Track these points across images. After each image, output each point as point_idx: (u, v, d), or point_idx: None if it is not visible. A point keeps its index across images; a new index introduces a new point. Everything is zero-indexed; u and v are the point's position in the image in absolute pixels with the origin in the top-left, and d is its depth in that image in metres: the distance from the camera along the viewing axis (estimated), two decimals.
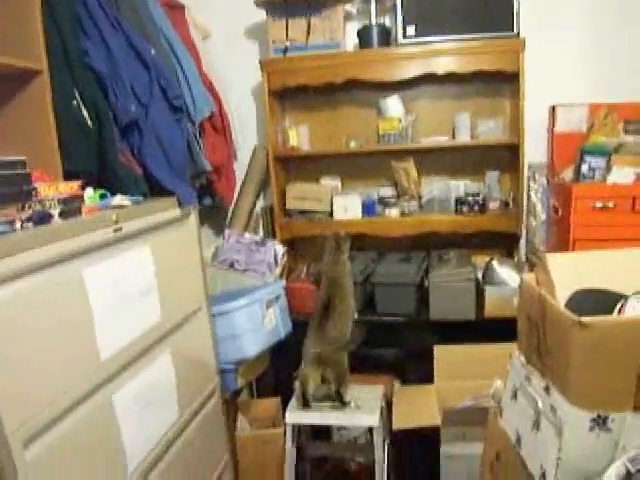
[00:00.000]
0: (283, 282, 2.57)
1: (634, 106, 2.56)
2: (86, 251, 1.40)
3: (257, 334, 2.23)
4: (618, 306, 1.14)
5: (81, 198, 1.49)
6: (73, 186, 1.47)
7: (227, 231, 2.95)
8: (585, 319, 1.02)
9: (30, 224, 1.28)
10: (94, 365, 1.38)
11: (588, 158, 2.24)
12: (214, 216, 3.12)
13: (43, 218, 1.32)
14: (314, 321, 2.14)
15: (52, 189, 1.42)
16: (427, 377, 2.44)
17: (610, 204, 2.18)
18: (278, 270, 2.79)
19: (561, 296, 1.25)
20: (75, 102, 1.80)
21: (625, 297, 1.17)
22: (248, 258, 2.79)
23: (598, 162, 2.23)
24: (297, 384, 2.15)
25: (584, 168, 2.25)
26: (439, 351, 2.36)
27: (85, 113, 1.82)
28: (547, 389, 1.18)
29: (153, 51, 2.14)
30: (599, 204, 2.19)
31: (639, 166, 2.23)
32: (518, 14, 2.44)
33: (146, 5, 2.41)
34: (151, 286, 1.70)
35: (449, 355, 2.33)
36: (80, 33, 1.86)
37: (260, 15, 2.79)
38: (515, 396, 1.31)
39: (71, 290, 1.33)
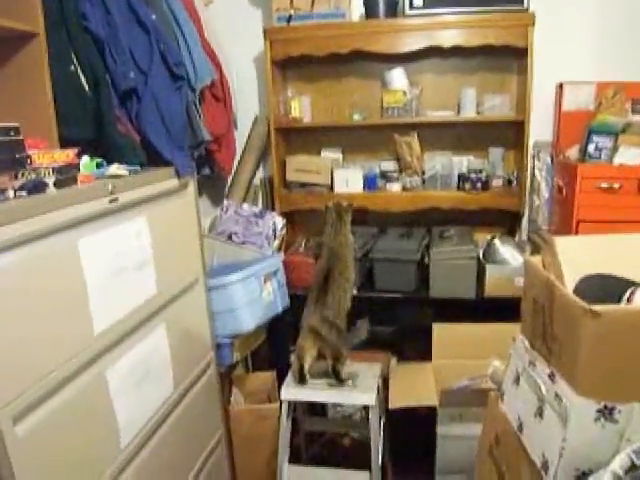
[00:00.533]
0: (281, 255, 2.55)
1: None
2: (81, 222, 1.37)
3: (254, 308, 2.22)
4: (627, 293, 1.11)
5: (77, 167, 1.45)
6: (69, 154, 1.42)
7: (226, 202, 2.90)
8: (597, 307, 1.00)
9: (24, 193, 1.24)
10: (87, 339, 1.35)
11: (595, 138, 2.19)
12: (213, 186, 3.07)
13: (37, 187, 1.27)
14: (313, 293, 2.11)
15: (47, 157, 1.37)
16: (425, 355, 2.44)
17: (616, 185, 2.14)
18: (276, 243, 2.76)
19: (569, 280, 1.22)
20: (72, 67, 1.74)
21: (635, 284, 1.14)
22: (246, 230, 2.75)
23: (605, 142, 2.18)
24: (294, 359, 2.13)
25: (591, 148, 2.20)
26: (438, 329, 2.35)
27: (83, 78, 1.77)
28: (552, 376, 1.16)
29: (154, 16, 2.06)
30: (605, 185, 2.15)
31: None
32: None
33: None
34: (147, 258, 1.67)
35: (448, 333, 2.32)
36: None
37: None
38: (517, 381, 1.29)
39: (65, 261, 1.30)
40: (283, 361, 2.56)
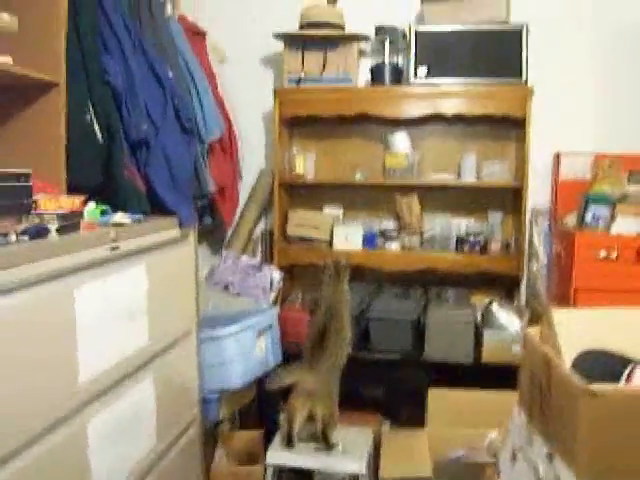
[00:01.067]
0: (277, 310, 2.53)
1: (638, 158, 2.56)
2: (80, 269, 1.36)
3: (245, 364, 2.17)
4: (627, 372, 1.10)
5: (81, 214, 1.46)
6: (75, 201, 1.44)
7: (225, 252, 2.92)
8: (595, 387, 0.98)
9: (26, 237, 1.24)
10: (71, 388, 1.31)
11: (592, 206, 2.24)
12: (213, 235, 3.09)
13: (40, 232, 1.27)
14: (307, 350, 2.08)
15: (53, 203, 1.38)
16: (419, 419, 2.38)
17: (614, 255, 2.16)
18: (273, 296, 2.74)
19: (566, 355, 1.21)
20: (88, 116, 1.78)
21: (634, 362, 1.13)
22: (243, 281, 2.75)
23: (602, 211, 2.23)
24: (282, 418, 2.08)
25: (588, 216, 2.24)
26: (433, 394, 2.30)
27: (97, 128, 1.81)
28: (550, 457, 1.13)
29: (171, 73, 2.14)
30: (603, 253, 2.18)
31: None
32: (527, 62, 2.47)
33: (169, 29, 2.43)
34: (142, 308, 1.65)
35: (444, 399, 2.27)
36: (102, 49, 1.86)
37: (278, 45, 2.81)
38: (514, 457, 1.26)
39: (59, 308, 1.28)
40: (272, 420, 2.49)
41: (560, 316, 1.29)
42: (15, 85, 1.62)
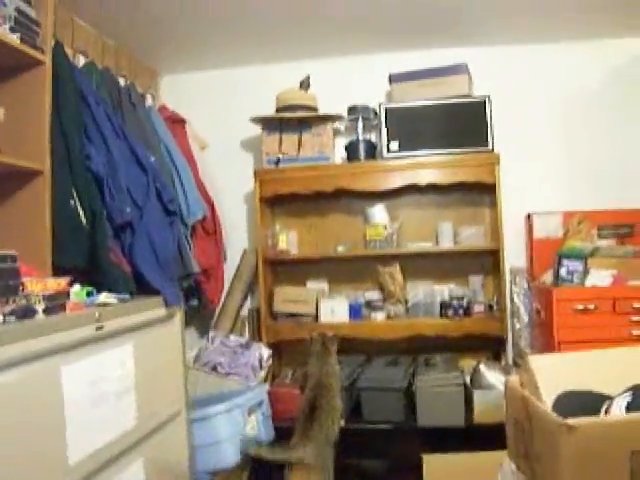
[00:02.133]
0: (266, 387, 2.51)
1: (606, 213, 2.71)
2: (66, 348, 1.38)
3: (237, 442, 2.13)
4: (604, 408, 1.12)
5: (67, 295, 1.50)
6: (60, 282, 1.48)
7: (212, 333, 2.92)
8: (572, 421, 1.00)
9: (13, 318, 1.28)
10: (61, 470, 1.29)
11: (565, 262, 2.32)
12: (200, 317, 3.10)
13: (27, 313, 1.31)
14: (299, 425, 2.06)
15: (40, 285, 1.42)
16: None
17: (591, 306, 2.22)
18: (262, 374, 2.72)
19: (546, 398, 1.23)
20: (72, 202, 1.87)
21: (611, 398, 1.16)
22: (232, 361, 2.73)
23: (575, 265, 2.31)
24: None
25: (562, 271, 2.32)
26: (428, 460, 2.25)
27: (81, 212, 1.90)
28: None
29: (152, 158, 2.27)
30: (580, 306, 2.24)
31: (615, 269, 2.31)
32: (492, 131, 2.65)
33: (150, 119, 2.60)
34: (129, 388, 1.65)
35: (439, 465, 2.22)
36: (84, 139, 1.99)
37: (255, 129, 2.99)
38: None
39: (46, 387, 1.29)
40: None
41: (537, 362, 1.32)
42: (1, 173, 1.70)
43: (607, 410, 1.12)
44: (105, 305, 1.63)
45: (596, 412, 1.13)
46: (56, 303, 1.43)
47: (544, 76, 2.96)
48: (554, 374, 1.28)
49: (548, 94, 2.95)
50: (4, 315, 1.26)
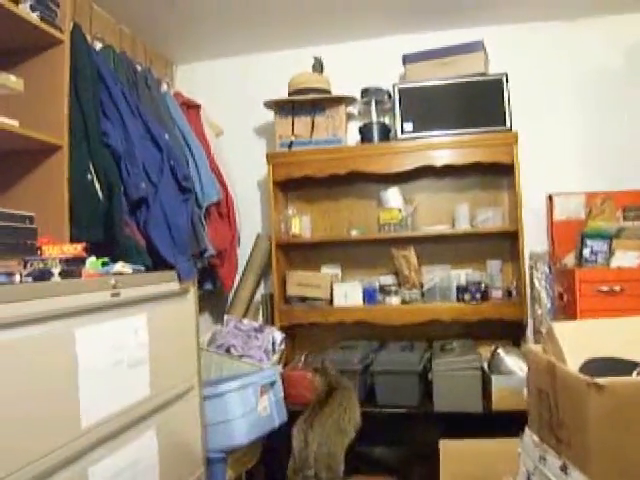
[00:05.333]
0: (279, 368, 2.48)
1: (630, 194, 2.62)
2: (81, 311, 1.38)
3: (250, 421, 2.11)
4: (636, 372, 1.08)
5: (83, 260, 1.49)
6: (77, 247, 1.48)
7: (226, 317, 2.91)
8: (601, 380, 0.97)
9: (30, 279, 1.27)
10: (74, 432, 1.29)
11: (589, 242, 2.25)
12: (214, 301, 3.09)
13: (43, 274, 1.31)
14: (309, 409, 2.05)
15: (56, 249, 1.42)
16: (433, 479, 2.26)
17: (617, 288, 2.15)
18: (276, 357, 2.70)
19: (571, 365, 1.19)
20: (89, 176, 1.88)
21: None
22: (245, 344, 2.72)
23: (600, 245, 2.24)
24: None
25: (586, 252, 2.26)
26: (445, 446, 2.21)
27: (97, 186, 1.90)
28: (564, 468, 1.08)
29: (167, 136, 2.26)
30: (605, 288, 2.16)
31: None
32: (509, 109, 2.59)
33: (164, 100, 2.60)
34: (143, 357, 1.64)
35: (456, 450, 2.18)
36: (101, 115, 1.99)
37: (269, 116, 2.98)
38: None
39: (61, 348, 1.29)
40: None
41: (562, 329, 1.28)
42: (21, 147, 1.71)
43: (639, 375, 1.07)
44: (120, 274, 1.62)
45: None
46: (73, 268, 1.42)
47: (563, 53, 2.89)
48: (579, 341, 1.24)
49: (567, 71, 2.88)
50: (21, 276, 1.26)
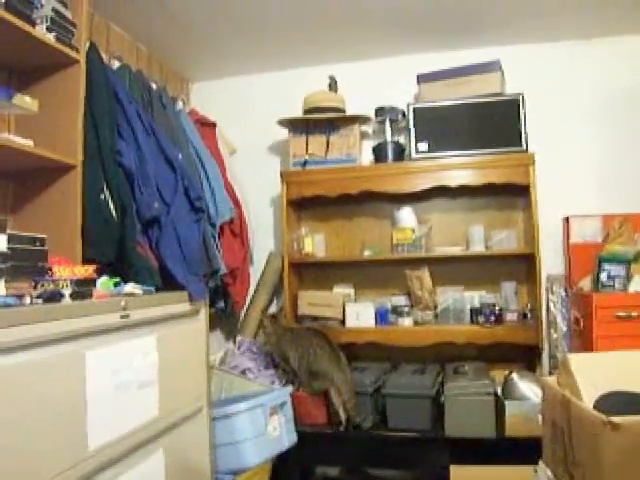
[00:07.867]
0: (289, 389, 2.46)
1: None
2: (91, 333, 1.37)
3: (259, 442, 2.09)
4: None
5: (94, 282, 1.50)
6: (88, 269, 1.48)
7: (239, 337, 2.91)
8: (616, 419, 0.94)
9: (40, 301, 1.27)
10: (81, 454, 1.28)
11: (607, 266, 2.21)
12: (225, 319, 3.08)
13: (54, 296, 1.31)
14: None
15: (67, 270, 1.42)
16: None
17: (634, 313, 2.10)
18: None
19: (586, 399, 1.16)
20: (103, 196, 1.89)
21: None
22: (259, 370, 2.71)
23: (617, 270, 2.20)
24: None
25: (603, 276, 2.21)
26: (456, 471, 2.16)
27: (111, 206, 1.91)
28: None
29: (180, 156, 2.28)
30: (622, 313, 2.12)
31: None
32: (525, 130, 2.56)
33: (179, 119, 2.62)
34: (152, 378, 1.63)
35: (467, 476, 2.13)
36: (116, 135, 2.01)
37: (283, 134, 2.99)
38: None
39: (70, 370, 1.28)
40: None
41: (578, 361, 1.25)
42: (36, 167, 1.73)
43: None
44: (131, 295, 1.62)
45: None
46: (83, 288, 1.42)
47: (580, 73, 2.87)
48: (595, 373, 1.20)
49: (584, 92, 2.86)
50: (32, 297, 1.26)
